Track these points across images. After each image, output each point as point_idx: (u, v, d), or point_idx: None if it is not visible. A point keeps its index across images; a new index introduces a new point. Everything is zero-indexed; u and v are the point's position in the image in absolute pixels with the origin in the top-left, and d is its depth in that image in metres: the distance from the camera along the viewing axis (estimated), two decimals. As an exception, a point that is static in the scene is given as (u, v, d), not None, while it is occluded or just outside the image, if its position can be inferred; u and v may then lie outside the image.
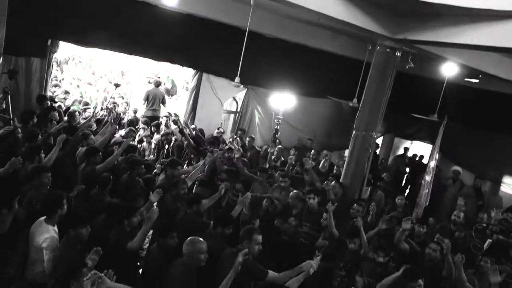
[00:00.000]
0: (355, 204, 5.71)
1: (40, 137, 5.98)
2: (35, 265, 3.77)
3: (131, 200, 4.80)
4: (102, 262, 3.80)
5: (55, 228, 3.93)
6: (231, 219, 4.46)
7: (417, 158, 10.84)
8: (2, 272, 4.00)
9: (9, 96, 6.75)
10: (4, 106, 6.61)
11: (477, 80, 8.86)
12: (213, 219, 4.37)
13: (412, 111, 10.33)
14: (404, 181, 10.84)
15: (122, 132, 8.12)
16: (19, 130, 5.85)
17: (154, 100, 9.74)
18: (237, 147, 8.01)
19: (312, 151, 8.68)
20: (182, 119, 8.61)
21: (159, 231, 4.03)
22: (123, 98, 10.77)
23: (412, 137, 11.69)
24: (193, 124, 9.06)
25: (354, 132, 6.23)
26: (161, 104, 9.95)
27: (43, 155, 5.24)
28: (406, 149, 11.60)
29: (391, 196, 7.77)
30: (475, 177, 9.20)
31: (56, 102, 8.31)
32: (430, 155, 8.28)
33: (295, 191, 5.87)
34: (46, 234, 3.77)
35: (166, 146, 8.25)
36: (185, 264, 3.58)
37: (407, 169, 10.84)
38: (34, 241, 3.78)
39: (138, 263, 4.78)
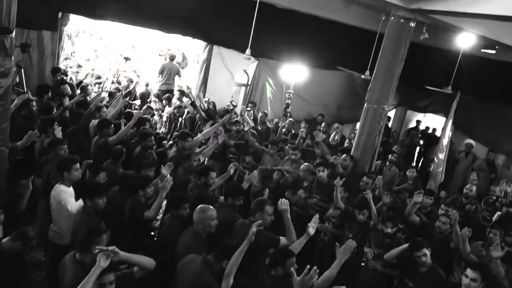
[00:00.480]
0: (364, 177, 5.74)
1: (55, 110, 6.07)
2: (56, 225, 4.03)
3: (145, 170, 4.91)
4: (117, 232, 3.97)
5: (71, 189, 4.10)
6: (242, 190, 4.53)
7: (429, 131, 10.73)
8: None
9: (22, 70, 6.83)
10: (17, 80, 6.70)
11: (493, 51, 8.62)
12: (224, 191, 4.45)
13: (426, 83, 10.18)
14: (416, 154, 10.79)
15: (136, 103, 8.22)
16: (34, 103, 5.93)
17: (169, 74, 9.74)
18: (248, 120, 8.03)
19: (323, 124, 8.65)
20: (193, 92, 8.60)
21: (172, 202, 4.13)
22: (135, 72, 10.78)
23: (425, 110, 11.54)
24: (204, 97, 9.06)
25: (365, 104, 6.18)
26: (176, 77, 9.95)
27: (57, 127, 5.34)
28: (418, 122, 11.49)
29: (402, 169, 7.79)
30: (488, 150, 9.10)
31: (68, 76, 8.37)
32: (443, 128, 8.21)
33: (305, 163, 5.91)
34: (63, 193, 4.00)
35: (180, 119, 8.30)
36: (195, 231, 3.69)
37: (420, 142, 10.76)
38: (53, 201, 4.02)
39: (152, 234, 4.94)
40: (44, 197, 4.61)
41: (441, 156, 7.74)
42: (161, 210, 5.53)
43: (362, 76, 9.09)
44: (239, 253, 3.16)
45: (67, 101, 6.75)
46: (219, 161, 6.78)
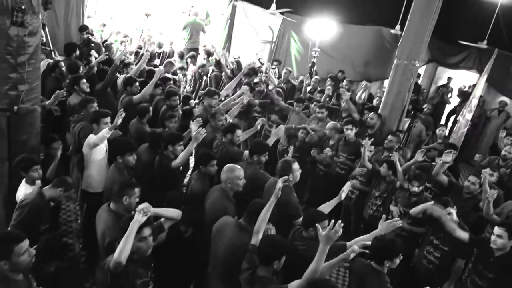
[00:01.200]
0: (389, 135, 5.63)
1: (82, 69, 6.13)
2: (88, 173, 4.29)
3: (168, 121, 5.06)
4: (146, 187, 4.07)
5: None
6: (267, 147, 4.53)
7: (466, 89, 10.27)
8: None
9: (46, 28, 6.85)
10: (44, 39, 6.75)
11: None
12: (250, 147, 4.46)
13: (459, 38, 9.69)
14: (446, 113, 10.47)
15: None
16: (63, 63, 6.00)
17: (193, 31, 9.62)
18: (273, 78, 7.92)
19: (345, 81, 8.40)
20: (217, 50, 8.51)
21: (200, 159, 4.17)
22: (161, 34, 10.65)
23: (457, 66, 11.05)
24: (229, 55, 8.94)
25: (395, 61, 5.96)
26: (200, 34, 9.83)
27: (84, 85, 5.42)
28: (449, 79, 11.05)
29: (431, 128, 7.61)
30: (523, 108, 8.75)
31: (93, 35, 8.37)
32: (476, 86, 7.89)
33: (332, 122, 5.85)
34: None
35: (204, 78, 8.27)
36: (223, 190, 3.75)
37: (450, 101, 10.42)
38: (85, 150, 4.25)
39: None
40: (76, 154, 4.81)
41: (468, 116, 7.48)
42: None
43: (392, 31, 8.77)
44: (266, 209, 3.19)
45: (93, 60, 6.82)
46: (244, 119, 6.79)
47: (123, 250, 2.57)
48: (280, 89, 7.11)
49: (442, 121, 10.10)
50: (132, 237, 2.62)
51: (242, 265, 2.96)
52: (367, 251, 3.01)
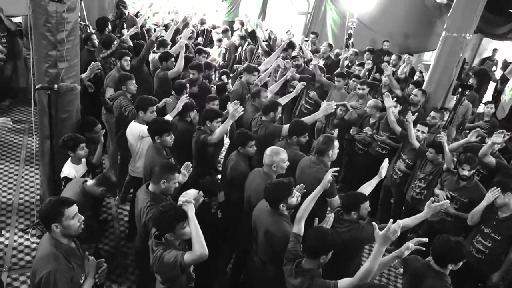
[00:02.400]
0: (432, 112, 5.35)
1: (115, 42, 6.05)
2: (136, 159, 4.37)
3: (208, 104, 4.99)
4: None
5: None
6: (307, 127, 4.36)
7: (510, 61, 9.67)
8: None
9: (82, 2, 6.76)
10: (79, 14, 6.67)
11: None
12: (289, 128, 4.29)
13: (507, 6, 9.04)
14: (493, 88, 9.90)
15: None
16: (95, 36, 5.93)
17: (234, 3, 9.37)
18: (307, 52, 7.62)
19: (393, 56, 8.03)
20: (252, 21, 8.25)
21: (238, 139, 4.06)
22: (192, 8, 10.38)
23: (503, 37, 10.38)
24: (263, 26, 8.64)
25: (444, 33, 5.59)
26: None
27: (126, 62, 5.37)
28: (495, 50, 10.41)
29: (476, 104, 7.22)
30: None
31: (126, 8, 8.23)
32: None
33: (373, 99, 5.59)
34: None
35: (239, 49, 8.06)
36: (266, 173, 3.64)
37: (495, 75, 9.83)
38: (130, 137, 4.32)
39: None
40: (118, 129, 4.88)
41: None
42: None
43: (438, 0, 8.25)
44: (312, 198, 3.07)
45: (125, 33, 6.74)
46: (280, 95, 6.58)
47: (201, 242, 2.54)
48: (322, 66, 6.81)
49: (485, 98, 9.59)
50: (198, 227, 2.59)
51: (285, 254, 2.87)
52: (423, 248, 2.85)
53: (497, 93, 9.54)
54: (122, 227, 4.98)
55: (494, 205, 3.83)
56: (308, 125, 4.47)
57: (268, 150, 3.63)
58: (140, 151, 4.32)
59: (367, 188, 3.71)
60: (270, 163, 3.59)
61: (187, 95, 4.74)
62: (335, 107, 4.72)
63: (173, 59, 5.62)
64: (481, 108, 7.45)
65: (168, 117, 4.47)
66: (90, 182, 3.49)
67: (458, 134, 6.54)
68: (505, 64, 9.81)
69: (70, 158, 3.88)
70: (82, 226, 2.61)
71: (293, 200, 3.09)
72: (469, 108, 6.81)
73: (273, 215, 3.14)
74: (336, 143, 3.90)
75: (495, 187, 3.78)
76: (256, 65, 7.32)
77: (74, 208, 2.56)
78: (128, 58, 5.37)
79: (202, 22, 8.77)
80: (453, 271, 2.96)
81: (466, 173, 4.13)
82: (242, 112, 4.19)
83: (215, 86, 6.19)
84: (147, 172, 3.86)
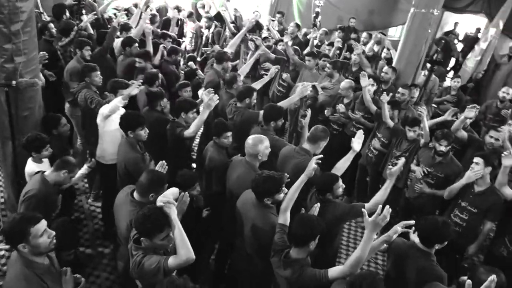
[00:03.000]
0: (400, 88, 5.37)
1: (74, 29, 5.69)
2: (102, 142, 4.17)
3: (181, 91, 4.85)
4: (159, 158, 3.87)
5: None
6: (282, 111, 4.28)
7: (471, 33, 9.86)
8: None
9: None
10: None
11: None
12: (264, 113, 4.19)
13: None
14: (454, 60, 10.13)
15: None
16: (52, 25, 5.55)
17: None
18: (275, 32, 7.47)
19: (364, 33, 7.99)
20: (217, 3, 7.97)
21: (215, 129, 3.92)
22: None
23: (463, 11, 10.57)
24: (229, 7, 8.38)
25: (412, 9, 5.58)
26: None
27: (87, 52, 5.08)
28: (456, 24, 10.63)
29: (443, 78, 7.35)
30: (533, 53, 8.43)
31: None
32: (485, 29, 7.52)
33: (346, 80, 5.54)
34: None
35: (206, 32, 7.79)
36: (249, 163, 3.53)
37: (457, 48, 10.05)
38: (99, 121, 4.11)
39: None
40: (85, 124, 4.65)
41: (483, 45, 7.13)
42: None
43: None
44: (296, 187, 3.01)
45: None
46: (251, 77, 6.45)
47: (187, 246, 2.40)
48: (297, 47, 6.68)
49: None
50: (182, 230, 2.45)
51: (272, 246, 2.81)
52: (410, 230, 2.86)
53: (459, 66, 9.79)
54: (96, 225, 4.78)
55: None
56: (284, 108, 4.39)
57: (251, 140, 3.51)
58: (103, 133, 4.13)
59: (344, 165, 3.71)
60: (255, 152, 3.48)
61: (141, 81, 4.49)
62: (311, 89, 4.64)
63: (136, 44, 5.36)
64: (447, 82, 7.62)
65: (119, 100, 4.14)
66: (48, 170, 3.30)
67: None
68: (466, 37, 10.06)
69: (31, 158, 3.64)
70: (54, 241, 2.40)
71: (281, 196, 3.01)
72: (436, 82, 6.90)
73: (259, 207, 3.06)
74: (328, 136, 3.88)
75: (475, 165, 3.82)
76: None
77: (42, 225, 2.34)
78: (89, 47, 5.06)
79: (179, 10, 8.36)
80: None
81: (443, 148, 4.19)
82: (218, 101, 4.04)
83: (183, 72, 5.99)
84: (122, 169, 3.67)
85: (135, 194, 3.00)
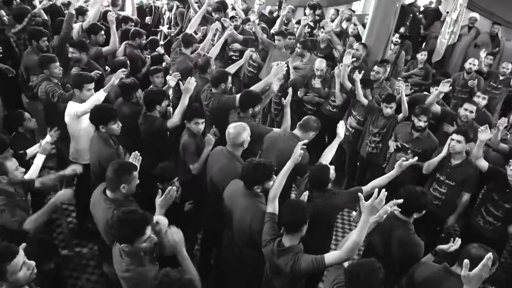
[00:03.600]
0: (375, 66, 5.38)
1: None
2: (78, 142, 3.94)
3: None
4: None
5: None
6: (259, 96, 4.16)
7: (432, 5, 9.96)
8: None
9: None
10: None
11: None
12: (240, 101, 4.06)
13: None
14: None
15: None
16: (3, 12, 5.11)
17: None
18: (240, 11, 7.25)
19: (332, 10, 7.90)
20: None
21: (188, 116, 3.77)
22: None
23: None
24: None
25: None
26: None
27: (44, 43, 4.75)
28: (416, -4, 10.68)
29: (410, 52, 7.41)
30: (492, 23, 8.66)
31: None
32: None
33: (319, 59, 5.46)
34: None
35: (167, 14, 7.45)
36: (231, 152, 3.40)
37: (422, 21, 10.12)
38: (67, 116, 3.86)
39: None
40: (48, 119, 4.38)
41: (454, 15, 7.18)
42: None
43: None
44: (284, 174, 2.93)
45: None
46: (219, 59, 6.25)
47: (194, 273, 2.36)
48: (264, 25, 6.49)
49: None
50: (187, 258, 2.43)
51: (263, 236, 2.74)
52: (399, 209, 2.88)
53: (421, 39, 9.94)
54: (71, 224, 4.55)
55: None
56: (260, 93, 4.27)
57: (232, 129, 3.37)
58: (77, 132, 3.89)
59: (331, 152, 3.69)
60: (239, 141, 3.34)
61: (125, 70, 4.24)
62: (286, 67, 4.52)
63: (102, 32, 5.04)
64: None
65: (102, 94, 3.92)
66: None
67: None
68: (426, 10, 10.16)
69: None
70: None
71: (270, 184, 2.93)
72: (402, 56, 6.97)
73: (249, 196, 2.98)
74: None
75: (456, 143, 3.89)
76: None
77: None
78: (46, 38, 4.70)
79: None
80: (415, 218, 3.06)
81: (422, 124, 4.24)
82: (195, 84, 3.89)
83: (149, 57, 5.71)
84: (96, 167, 3.47)
85: (107, 191, 2.86)
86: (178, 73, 4.41)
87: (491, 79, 6.59)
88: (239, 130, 3.34)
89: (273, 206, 2.82)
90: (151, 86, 4.84)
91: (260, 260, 3.13)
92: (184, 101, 3.85)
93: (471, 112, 4.48)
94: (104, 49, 4.93)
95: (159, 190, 2.78)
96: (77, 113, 3.76)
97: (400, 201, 2.75)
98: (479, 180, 3.98)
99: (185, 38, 5.10)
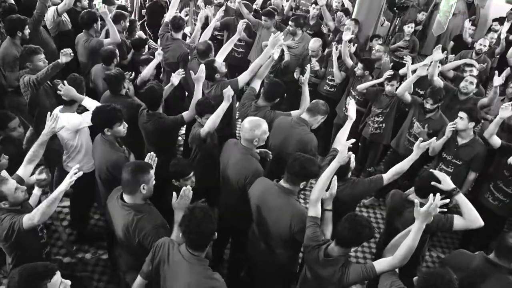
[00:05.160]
0: (377, 45, 5.23)
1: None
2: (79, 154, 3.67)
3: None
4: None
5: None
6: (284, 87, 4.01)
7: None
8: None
9: None
10: None
11: None
12: (266, 92, 3.86)
13: None
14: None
15: None
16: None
17: None
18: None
19: None
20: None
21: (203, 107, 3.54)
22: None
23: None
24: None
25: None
26: None
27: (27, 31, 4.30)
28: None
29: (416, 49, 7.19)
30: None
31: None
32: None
33: (314, 38, 5.26)
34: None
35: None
36: (246, 148, 3.21)
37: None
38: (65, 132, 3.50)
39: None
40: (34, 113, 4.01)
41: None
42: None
43: None
44: (327, 177, 2.73)
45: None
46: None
47: None
48: (248, 2, 6.16)
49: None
50: None
51: (305, 242, 2.61)
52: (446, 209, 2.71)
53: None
54: (67, 229, 4.26)
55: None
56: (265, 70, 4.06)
57: (247, 123, 3.16)
58: (79, 144, 3.60)
59: (344, 136, 3.52)
60: (252, 137, 3.14)
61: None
62: (283, 36, 4.26)
63: (98, 23, 4.63)
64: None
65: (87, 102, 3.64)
66: None
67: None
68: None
69: None
70: None
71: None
72: (387, 27, 6.87)
73: (286, 195, 2.84)
74: None
75: (459, 119, 3.88)
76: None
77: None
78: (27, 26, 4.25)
79: None
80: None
81: (429, 106, 4.21)
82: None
83: (129, 42, 5.30)
84: (104, 173, 3.20)
85: (125, 197, 2.66)
86: (182, 70, 4.11)
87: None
88: (252, 127, 3.13)
89: (315, 210, 2.68)
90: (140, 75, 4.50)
91: (293, 260, 3.06)
92: (198, 92, 3.66)
93: (471, 83, 4.50)
94: (106, 41, 4.54)
95: (174, 193, 2.62)
96: (74, 126, 3.48)
97: (447, 201, 2.48)
98: (486, 159, 4.00)
99: (175, 22, 4.76)
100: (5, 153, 3.22)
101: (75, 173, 2.47)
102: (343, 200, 3.01)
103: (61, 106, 3.59)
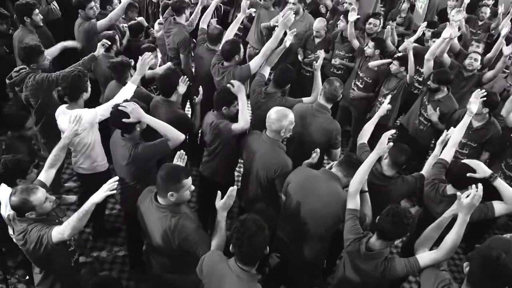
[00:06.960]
0: (370, 18, 5.18)
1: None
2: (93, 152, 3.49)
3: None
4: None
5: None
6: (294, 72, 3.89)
7: None
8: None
9: None
10: None
11: None
12: (277, 78, 3.69)
13: None
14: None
15: None
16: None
17: None
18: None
19: None
20: None
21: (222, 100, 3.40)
22: None
23: None
24: None
25: None
26: None
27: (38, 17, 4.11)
28: None
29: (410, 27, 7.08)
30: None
31: None
32: None
33: (318, 18, 5.13)
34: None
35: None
36: (273, 140, 3.12)
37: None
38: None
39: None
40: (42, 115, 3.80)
41: None
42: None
43: None
44: (366, 169, 2.71)
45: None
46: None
47: None
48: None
49: None
50: None
51: (345, 235, 2.58)
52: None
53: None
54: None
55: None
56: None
57: (274, 114, 3.03)
58: (92, 140, 3.40)
59: (370, 127, 3.48)
60: (278, 128, 3.04)
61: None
62: (293, 16, 4.03)
63: (92, 4, 4.33)
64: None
65: (131, 86, 3.48)
66: None
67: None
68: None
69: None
70: None
71: None
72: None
73: (332, 180, 2.82)
74: None
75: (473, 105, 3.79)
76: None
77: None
78: (38, 11, 4.03)
79: None
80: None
81: (432, 86, 4.22)
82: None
83: (127, 26, 5.03)
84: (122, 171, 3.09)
85: (159, 199, 2.55)
86: (187, 78, 3.78)
87: (470, 25, 6.62)
88: (279, 117, 3.02)
89: (355, 202, 2.64)
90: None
91: (322, 253, 3.09)
92: (243, 100, 3.45)
93: (476, 60, 4.52)
94: (99, 23, 4.31)
95: (219, 192, 2.50)
96: (91, 121, 3.27)
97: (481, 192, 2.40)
98: (501, 139, 4.01)
99: (176, 6, 4.54)
100: (17, 152, 3.14)
101: (112, 189, 2.34)
102: (385, 198, 2.95)
103: (65, 105, 3.40)
